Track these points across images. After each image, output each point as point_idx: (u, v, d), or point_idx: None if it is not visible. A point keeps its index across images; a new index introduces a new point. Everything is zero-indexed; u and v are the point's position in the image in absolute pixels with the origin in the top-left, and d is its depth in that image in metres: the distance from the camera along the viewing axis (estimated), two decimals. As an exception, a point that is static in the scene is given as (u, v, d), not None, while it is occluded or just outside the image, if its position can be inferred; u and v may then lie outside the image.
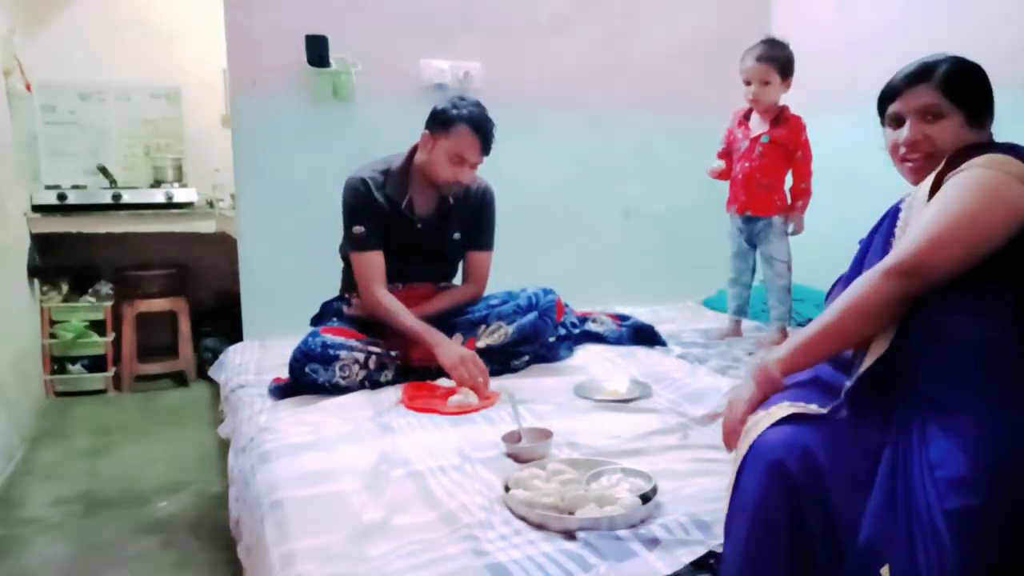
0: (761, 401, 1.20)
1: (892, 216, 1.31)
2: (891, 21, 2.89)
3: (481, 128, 2.16)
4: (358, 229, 2.22)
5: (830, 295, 1.42)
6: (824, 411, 1.12)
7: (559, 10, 3.21)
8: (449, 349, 2.09)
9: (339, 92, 2.91)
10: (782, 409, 1.14)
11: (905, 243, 1.17)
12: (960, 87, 1.34)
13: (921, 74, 1.35)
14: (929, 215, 1.18)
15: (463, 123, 2.14)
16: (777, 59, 2.54)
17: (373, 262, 2.23)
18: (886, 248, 1.26)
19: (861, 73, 2.97)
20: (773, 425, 1.12)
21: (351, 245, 2.25)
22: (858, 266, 1.33)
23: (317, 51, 2.83)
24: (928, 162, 1.34)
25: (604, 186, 3.36)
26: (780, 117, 2.57)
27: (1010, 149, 1.23)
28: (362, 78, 2.93)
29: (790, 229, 2.62)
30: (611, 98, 3.31)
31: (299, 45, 2.83)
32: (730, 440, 1.22)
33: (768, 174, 2.59)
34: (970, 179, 1.19)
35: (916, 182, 1.35)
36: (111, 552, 2.15)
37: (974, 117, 1.33)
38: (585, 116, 3.30)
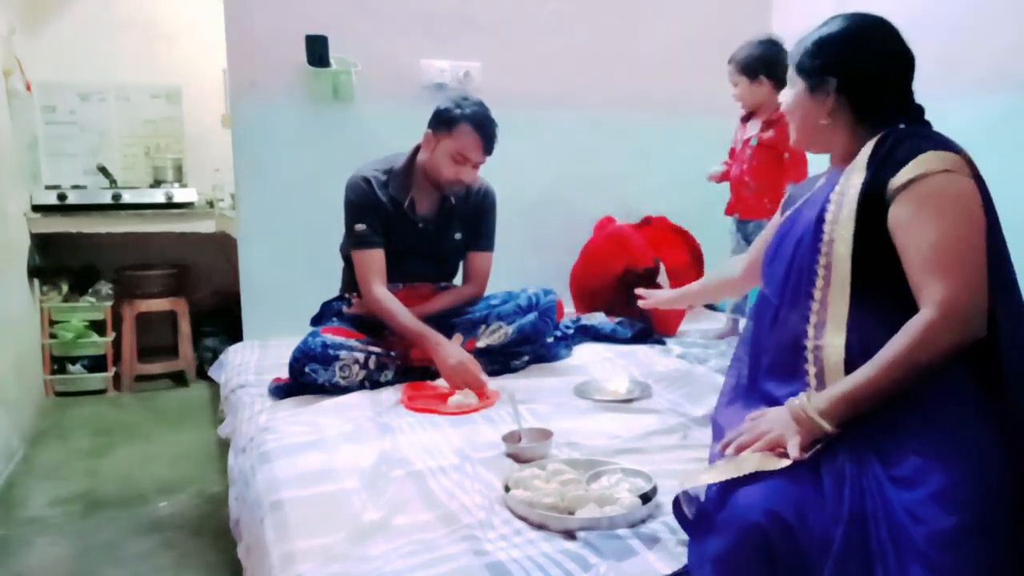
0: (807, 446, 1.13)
1: (816, 224, 1.24)
2: (891, 20, 2.89)
3: (484, 127, 2.16)
4: (360, 227, 2.21)
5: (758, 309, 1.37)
6: (789, 461, 1.09)
7: (559, 10, 3.21)
8: (447, 351, 2.09)
9: (339, 92, 2.91)
10: (749, 463, 1.10)
11: (937, 283, 1.10)
12: (802, 58, 1.35)
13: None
14: (935, 240, 1.12)
15: (466, 122, 2.14)
16: (741, 60, 2.54)
17: (374, 259, 2.22)
18: (813, 256, 1.23)
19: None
20: (741, 483, 1.08)
21: (352, 242, 2.24)
22: (782, 285, 1.29)
23: (317, 51, 2.83)
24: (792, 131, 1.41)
25: (604, 186, 3.36)
26: (771, 119, 2.54)
27: (938, 135, 1.23)
28: (362, 78, 2.93)
29: None
30: (611, 98, 3.31)
31: (299, 45, 2.83)
32: (740, 445, 1.17)
33: (756, 176, 2.59)
34: (943, 190, 1.15)
35: None
36: (111, 552, 2.15)
37: (814, 87, 1.33)
38: (585, 116, 3.30)
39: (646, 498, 1.33)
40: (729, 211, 2.73)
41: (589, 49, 3.26)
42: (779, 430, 1.14)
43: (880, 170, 1.19)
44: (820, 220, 1.24)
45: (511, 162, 3.14)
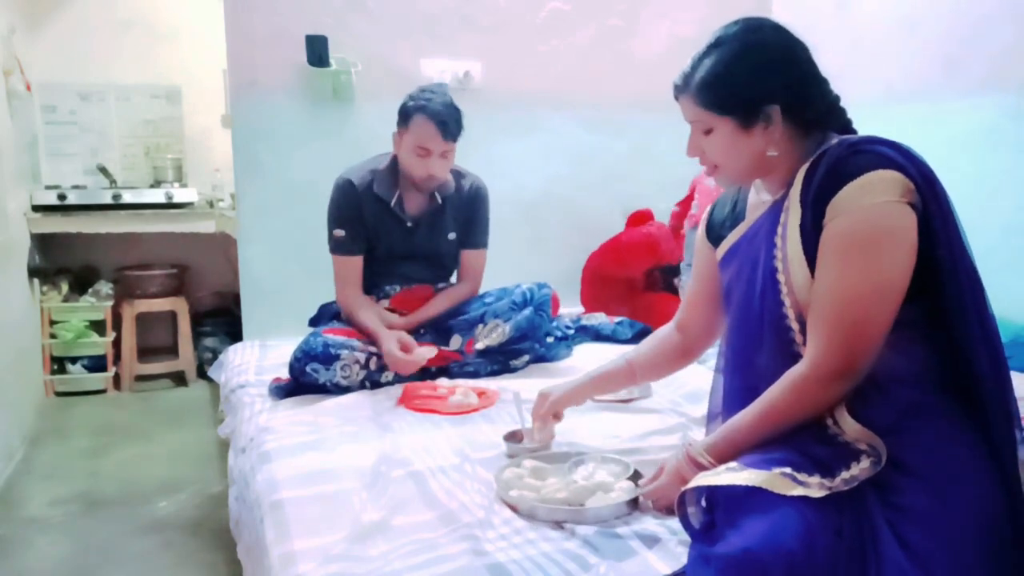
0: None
1: (772, 276, 1.16)
2: (891, 20, 2.89)
3: (437, 115, 2.09)
4: (339, 232, 2.22)
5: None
6: (804, 490, 1.01)
7: (559, 10, 3.21)
8: (387, 347, 2.07)
9: (339, 92, 2.91)
10: (756, 476, 1.02)
11: (821, 338, 1.08)
12: (719, 93, 1.17)
13: (681, 84, 1.22)
14: (834, 291, 1.07)
15: (419, 113, 2.11)
16: None
17: (350, 266, 2.24)
18: (778, 311, 1.16)
19: (861, 73, 2.99)
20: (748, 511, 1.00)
21: (331, 246, 2.26)
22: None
23: (317, 51, 2.83)
24: (724, 173, 1.24)
25: (604, 186, 3.36)
26: None
27: (871, 149, 1.09)
28: (362, 78, 2.93)
29: None
30: (611, 98, 3.31)
31: (299, 45, 2.83)
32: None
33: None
34: (863, 230, 1.06)
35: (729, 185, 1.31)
36: (111, 552, 2.15)
37: (748, 120, 1.17)
38: (585, 116, 3.30)
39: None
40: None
41: (589, 49, 3.27)
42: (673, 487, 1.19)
43: (816, 202, 1.11)
44: (773, 270, 1.16)
45: (511, 162, 3.16)
